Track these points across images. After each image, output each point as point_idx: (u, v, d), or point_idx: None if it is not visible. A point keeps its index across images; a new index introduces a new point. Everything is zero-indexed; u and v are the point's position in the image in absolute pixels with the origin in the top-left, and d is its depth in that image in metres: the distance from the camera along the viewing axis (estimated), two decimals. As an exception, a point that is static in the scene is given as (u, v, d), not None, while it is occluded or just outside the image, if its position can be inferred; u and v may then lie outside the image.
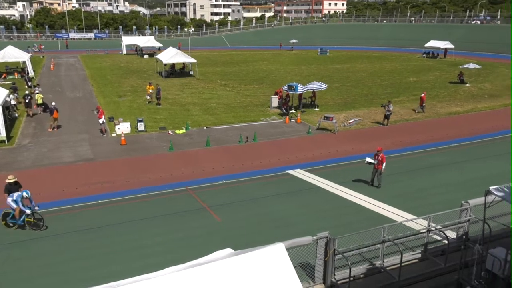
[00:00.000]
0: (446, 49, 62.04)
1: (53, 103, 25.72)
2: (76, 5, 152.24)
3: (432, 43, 63.10)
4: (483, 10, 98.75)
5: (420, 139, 23.73)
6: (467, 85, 39.65)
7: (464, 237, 10.39)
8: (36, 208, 13.77)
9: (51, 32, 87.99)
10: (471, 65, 42.05)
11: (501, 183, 8.17)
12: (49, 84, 39.85)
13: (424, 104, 29.94)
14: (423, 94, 30.46)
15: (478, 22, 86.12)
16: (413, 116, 29.00)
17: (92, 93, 36.33)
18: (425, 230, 10.36)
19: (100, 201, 15.76)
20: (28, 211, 13.51)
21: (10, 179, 14.12)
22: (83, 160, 20.23)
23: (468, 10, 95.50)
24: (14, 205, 13.47)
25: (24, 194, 13.57)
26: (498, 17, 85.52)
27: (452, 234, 10.71)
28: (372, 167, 16.78)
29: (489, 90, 37.90)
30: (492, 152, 21.51)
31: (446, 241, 9.91)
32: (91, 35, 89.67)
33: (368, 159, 16.74)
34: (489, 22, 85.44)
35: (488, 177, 16.70)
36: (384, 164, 16.48)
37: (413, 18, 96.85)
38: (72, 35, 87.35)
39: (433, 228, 10.32)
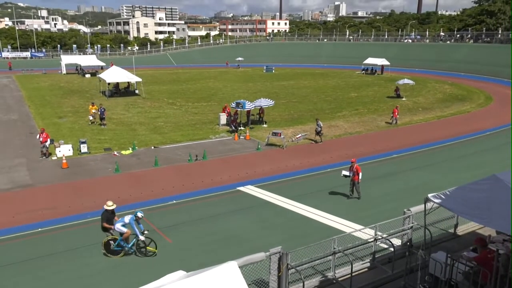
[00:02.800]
0: (382, 66, 65.89)
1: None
2: (10, 23, 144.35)
3: (370, 60, 66.85)
4: (414, 30, 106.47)
5: (363, 151, 24.79)
6: (403, 99, 42.24)
7: (408, 243, 10.89)
8: (146, 232, 12.73)
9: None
10: (406, 81, 44.87)
11: (438, 190, 8.69)
12: (-21, 106, 37.18)
13: (393, 116, 32.08)
14: (395, 108, 32.68)
15: (410, 40, 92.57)
16: (356, 130, 30.30)
17: (29, 115, 34.31)
18: (372, 239, 10.75)
19: (40, 229, 14.76)
20: (142, 237, 12.47)
21: (110, 205, 12.80)
22: (21, 187, 18.91)
23: (400, 30, 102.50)
24: (124, 230, 12.47)
25: (139, 214, 12.46)
26: (427, 36, 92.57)
27: (397, 242, 11.19)
28: (349, 180, 17.18)
29: (422, 104, 40.62)
30: (428, 162, 22.95)
31: (392, 249, 10.34)
32: (26, 54, 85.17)
33: (344, 172, 17.11)
34: (419, 40, 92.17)
35: (427, 184, 17.77)
36: (360, 174, 16.97)
37: (351, 37, 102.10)
38: (5, 54, 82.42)
39: (379, 237, 10.74)
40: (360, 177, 17.03)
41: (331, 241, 9.93)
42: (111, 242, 12.75)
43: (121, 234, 12.71)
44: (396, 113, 32.10)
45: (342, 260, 10.32)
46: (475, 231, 11.80)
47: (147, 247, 12.97)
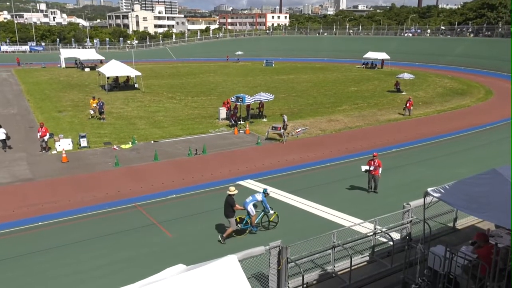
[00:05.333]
0: (383, 60, 65.68)
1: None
2: (8, 17, 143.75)
3: (370, 54, 66.61)
4: (414, 23, 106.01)
5: (363, 146, 24.79)
6: (403, 93, 42.15)
7: (407, 237, 10.93)
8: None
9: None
10: (406, 75, 44.75)
11: (437, 184, 8.70)
12: (-21, 100, 37.09)
13: (407, 107, 33.12)
14: (408, 100, 33.61)
15: (410, 34, 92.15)
16: (356, 124, 30.28)
17: (28, 109, 34.24)
18: (371, 233, 10.78)
19: (40, 223, 14.81)
20: (272, 211, 13.26)
21: (232, 191, 13.17)
22: (21, 181, 18.93)
23: (400, 24, 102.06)
24: (255, 211, 13.12)
25: (268, 190, 13.24)
26: (427, 30, 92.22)
27: (396, 236, 11.22)
28: (367, 175, 17.18)
29: (423, 98, 40.55)
30: (427, 156, 22.95)
31: (391, 243, 10.37)
32: (25, 47, 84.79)
33: (364, 167, 17.05)
34: (420, 34, 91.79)
35: (426, 179, 17.76)
36: (380, 169, 16.95)
37: (351, 31, 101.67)
38: (4, 48, 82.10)
39: (379, 231, 10.77)
40: (380, 172, 16.97)
41: (331, 235, 9.96)
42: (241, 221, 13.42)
43: (249, 213, 13.30)
44: (408, 104, 32.99)
45: (341, 254, 10.36)
46: (474, 225, 11.84)
47: (271, 221, 13.88)
